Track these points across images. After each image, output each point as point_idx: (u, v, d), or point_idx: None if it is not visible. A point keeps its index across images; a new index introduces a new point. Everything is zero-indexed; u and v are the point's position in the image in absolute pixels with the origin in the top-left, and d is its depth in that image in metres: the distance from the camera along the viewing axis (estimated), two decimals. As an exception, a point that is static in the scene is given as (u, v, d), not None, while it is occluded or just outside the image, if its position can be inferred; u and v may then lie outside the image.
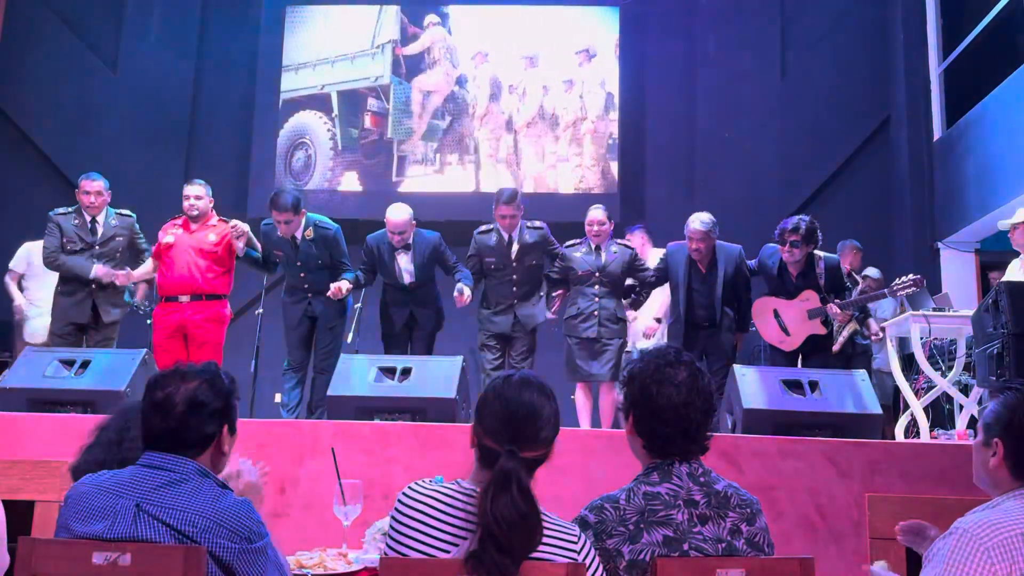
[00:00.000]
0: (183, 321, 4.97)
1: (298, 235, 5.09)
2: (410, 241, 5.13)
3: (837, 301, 4.74)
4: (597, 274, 5.04)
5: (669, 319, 5.22)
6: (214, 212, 5.17)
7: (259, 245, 5.17)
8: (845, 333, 5.75)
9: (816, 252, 4.84)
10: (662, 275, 5.15)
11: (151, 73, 8.16)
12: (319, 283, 5.12)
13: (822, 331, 4.81)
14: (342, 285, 4.97)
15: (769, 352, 5.04)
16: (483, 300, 5.26)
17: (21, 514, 2.82)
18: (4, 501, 2.28)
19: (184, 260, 5.00)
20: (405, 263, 5.15)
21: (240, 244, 5.00)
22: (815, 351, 4.86)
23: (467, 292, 4.99)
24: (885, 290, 4.87)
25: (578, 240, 5.19)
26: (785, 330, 4.85)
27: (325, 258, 5.13)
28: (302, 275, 5.15)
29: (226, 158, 8.24)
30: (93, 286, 5.07)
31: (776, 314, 4.89)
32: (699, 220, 4.93)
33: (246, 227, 5.03)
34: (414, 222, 5.16)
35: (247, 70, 8.41)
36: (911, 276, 4.76)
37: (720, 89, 8.13)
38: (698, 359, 4.94)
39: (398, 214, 5.09)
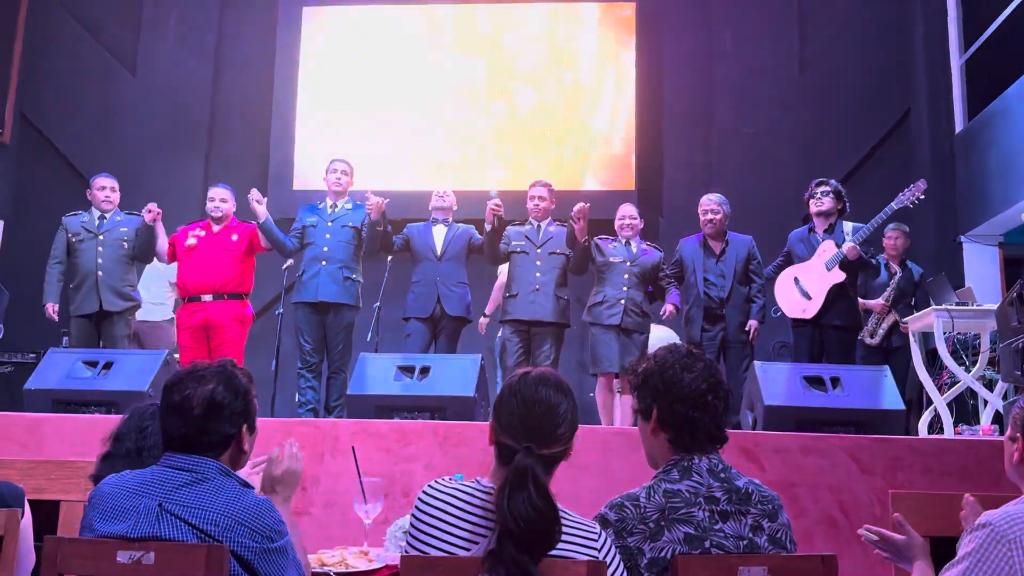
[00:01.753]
0: (206, 319, 5.05)
1: (338, 202, 5.35)
2: (449, 219, 5.44)
3: (854, 239, 4.73)
4: (628, 264, 5.12)
5: (684, 307, 5.24)
6: (235, 217, 5.34)
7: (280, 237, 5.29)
8: (884, 326, 5.63)
9: (845, 222, 4.93)
10: (678, 268, 5.23)
11: (170, 75, 8.22)
12: (339, 251, 5.22)
13: (840, 278, 4.77)
14: (380, 201, 5.12)
15: (793, 344, 5.03)
16: (507, 288, 5.32)
17: (46, 514, 2.85)
18: (29, 501, 2.30)
19: (206, 258, 5.11)
20: (439, 235, 5.38)
21: (260, 211, 5.15)
22: (836, 314, 4.81)
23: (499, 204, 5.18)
24: (893, 203, 4.82)
25: (607, 236, 5.28)
26: (806, 294, 4.84)
27: (356, 222, 5.27)
28: (327, 236, 5.24)
29: (245, 159, 8.28)
30: (100, 273, 5.17)
31: (796, 281, 4.90)
32: (711, 194, 5.21)
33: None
34: (454, 207, 5.53)
35: (264, 71, 8.45)
36: (912, 184, 4.83)
37: (738, 84, 8.06)
38: (717, 352, 4.98)
39: (443, 186, 5.64)
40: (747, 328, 5.01)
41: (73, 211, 5.40)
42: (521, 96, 8.33)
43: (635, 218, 5.24)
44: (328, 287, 5.14)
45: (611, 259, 5.15)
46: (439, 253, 5.33)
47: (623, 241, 5.21)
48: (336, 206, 5.34)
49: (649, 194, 7.99)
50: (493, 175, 8.18)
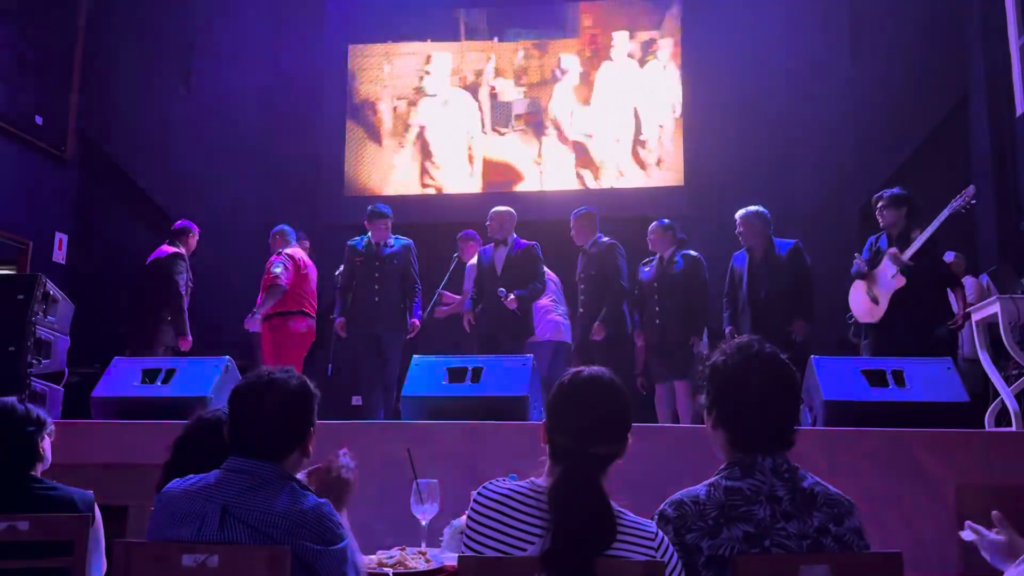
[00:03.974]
0: (265, 337, 5.60)
1: (383, 240, 5.58)
2: (509, 238, 5.56)
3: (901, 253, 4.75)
4: (656, 284, 5.39)
5: (740, 307, 5.25)
6: (292, 242, 5.82)
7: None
8: None
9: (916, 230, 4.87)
10: (731, 281, 5.34)
11: (223, 90, 8.39)
12: (390, 294, 5.43)
13: (901, 283, 4.77)
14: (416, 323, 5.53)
15: (866, 342, 4.97)
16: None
17: (114, 519, 2.93)
18: (99, 506, 2.37)
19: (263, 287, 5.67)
20: (500, 257, 5.56)
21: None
22: (901, 320, 4.78)
23: (512, 296, 5.31)
24: (946, 210, 4.74)
25: (648, 259, 5.57)
26: (874, 299, 4.89)
27: (401, 260, 5.49)
28: (376, 275, 5.44)
29: (297, 168, 8.42)
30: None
31: (868, 288, 4.95)
32: (741, 210, 5.32)
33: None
34: (513, 217, 5.63)
35: (314, 80, 8.58)
36: (963, 191, 4.72)
37: (788, 73, 7.91)
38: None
39: (499, 206, 5.71)
40: (790, 329, 4.98)
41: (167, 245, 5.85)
42: (566, 93, 8.31)
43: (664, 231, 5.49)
44: (383, 323, 5.43)
45: (645, 281, 5.41)
46: (500, 275, 5.49)
47: (664, 259, 5.43)
48: (380, 245, 5.56)
49: (698, 189, 7.87)
50: (541, 170, 8.20)
